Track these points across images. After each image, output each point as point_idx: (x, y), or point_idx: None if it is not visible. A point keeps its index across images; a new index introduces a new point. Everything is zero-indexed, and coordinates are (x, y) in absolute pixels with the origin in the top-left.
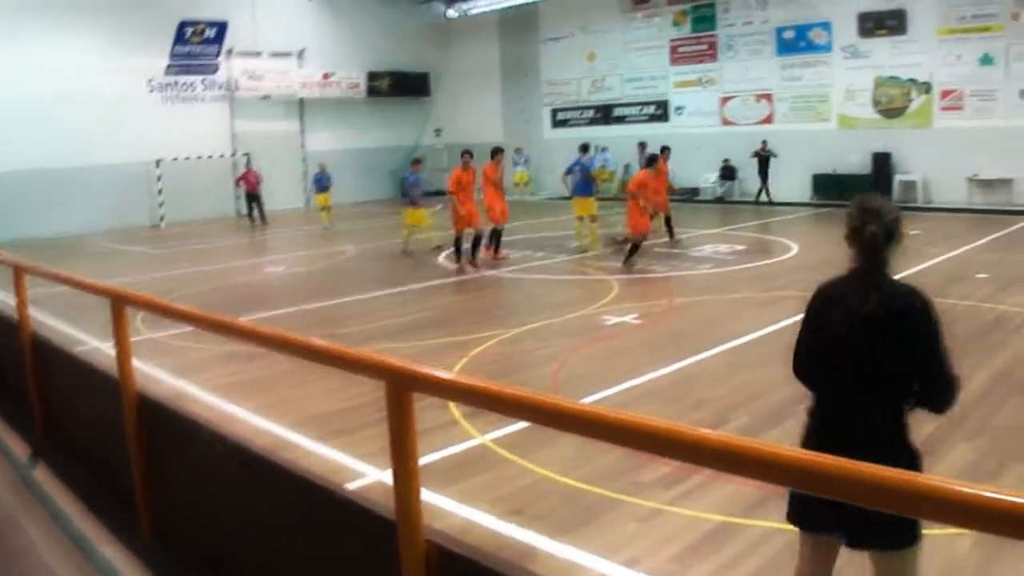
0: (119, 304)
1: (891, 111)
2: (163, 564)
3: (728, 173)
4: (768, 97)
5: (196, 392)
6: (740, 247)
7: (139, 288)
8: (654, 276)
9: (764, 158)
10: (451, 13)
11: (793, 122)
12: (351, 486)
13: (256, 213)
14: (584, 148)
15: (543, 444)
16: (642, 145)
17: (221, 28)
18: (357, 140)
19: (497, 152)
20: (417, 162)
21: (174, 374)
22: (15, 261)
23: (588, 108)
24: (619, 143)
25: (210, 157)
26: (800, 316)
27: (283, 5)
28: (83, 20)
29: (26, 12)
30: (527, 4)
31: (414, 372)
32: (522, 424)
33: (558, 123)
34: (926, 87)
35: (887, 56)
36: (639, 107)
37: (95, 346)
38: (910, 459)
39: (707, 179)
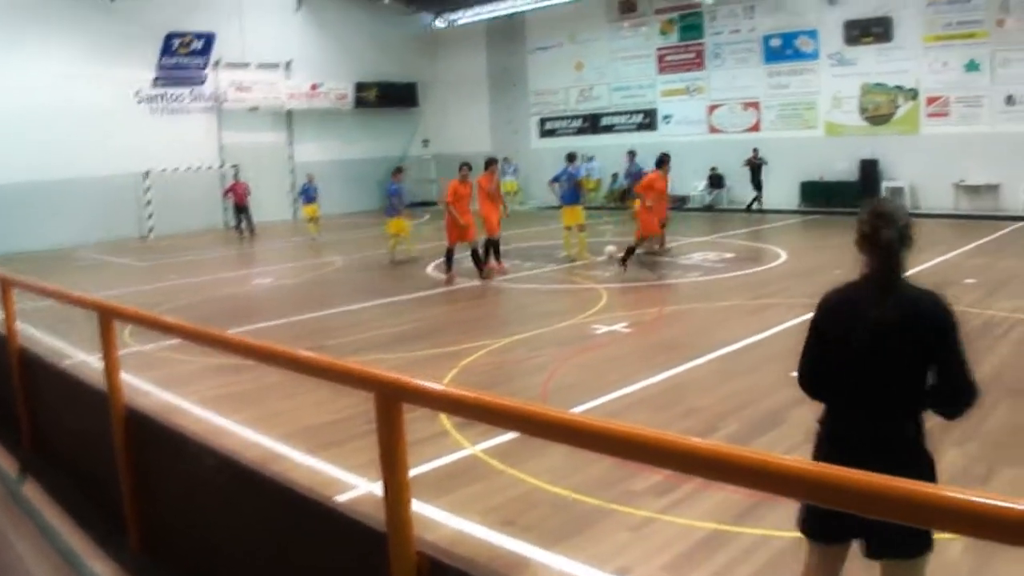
0: (107, 317)
1: (878, 118)
2: None
3: (716, 181)
4: (755, 105)
5: (184, 405)
6: (729, 255)
7: (127, 301)
8: (643, 284)
9: (756, 166)
10: (438, 23)
11: (780, 130)
12: (341, 498)
13: (244, 225)
14: (571, 157)
15: (534, 454)
16: (631, 153)
17: (208, 40)
18: (345, 151)
19: (491, 163)
20: (398, 172)
21: (162, 387)
22: (2, 274)
23: (576, 117)
24: (607, 152)
25: (198, 169)
26: (789, 324)
27: (270, 16)
28: (70, 32)
29: (12, 24)
30: (514, 14)
31: (403, 383)
32: (513, 434)
33: (546, 133)
34: (912, 94)
35: (873, 63)
36: (627, 116)
37: (83, 359)
38: (929, 465)
39: (695, 187)
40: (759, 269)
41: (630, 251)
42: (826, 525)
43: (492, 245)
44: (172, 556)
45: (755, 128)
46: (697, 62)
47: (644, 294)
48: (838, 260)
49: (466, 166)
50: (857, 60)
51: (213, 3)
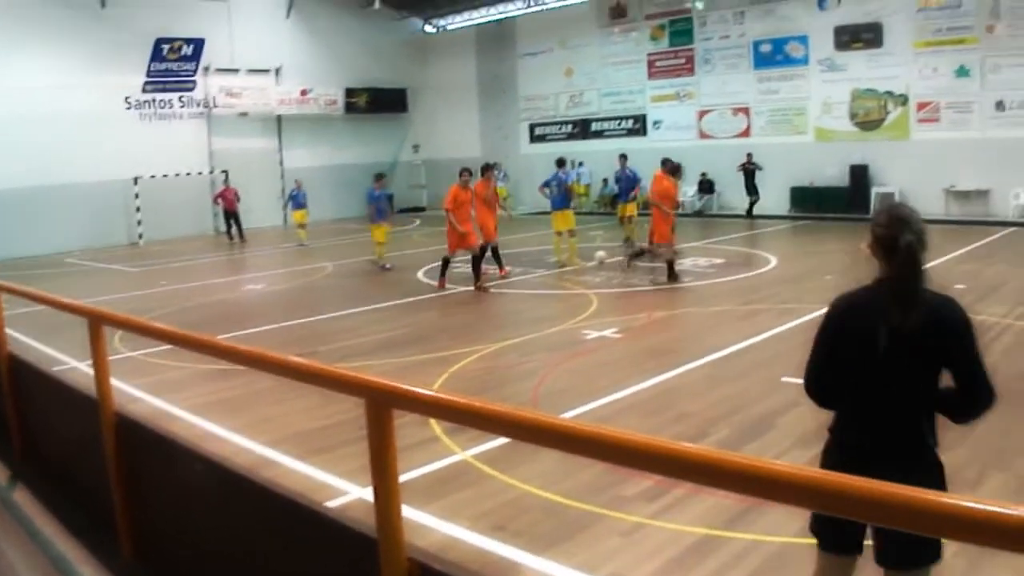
0: (97, 323)
1: (868, 123)
2: None
3: (706, 187)
4: (745, 111)
5: (175, 411)
6: (719, 260)
7: (117, 306)
8: (634, 290)
9: (750, 171)
10: (428, 29)
11: (770, 135)
12: (332, 504)
13: (234, 231)
14: (561, 163)
15: (524, 459)
16: (623, 157)
17: (198, 45)
18: (335, 157)
19: (487, 169)
20: (380, 178)
21: (153, 393)
22: None
23: (566, 123)
24: (597, 157)
25: (188, 174)
26: (780, 329)
27: (260, 22)
28: (60, 39)
29: (1, 31)
30: (504, 19)
31: (394, 389)
32: (503, 440)
33: (536, 138)
34: (902, 99)
35: (864, 69)
36: (617, 121)
37: (73, 366)
38: (940, 471)
39: (685, 193)
40: (749, 274)
41: (639, 254)
42: (838, 532)
43: (492, 251)
44: (164, 563)
45: (745, 134)
46: (687, 68)
47: (634, 299)
48: (828, 265)
49: (467, 171)
50: (847, 66)
51: (203, 9)
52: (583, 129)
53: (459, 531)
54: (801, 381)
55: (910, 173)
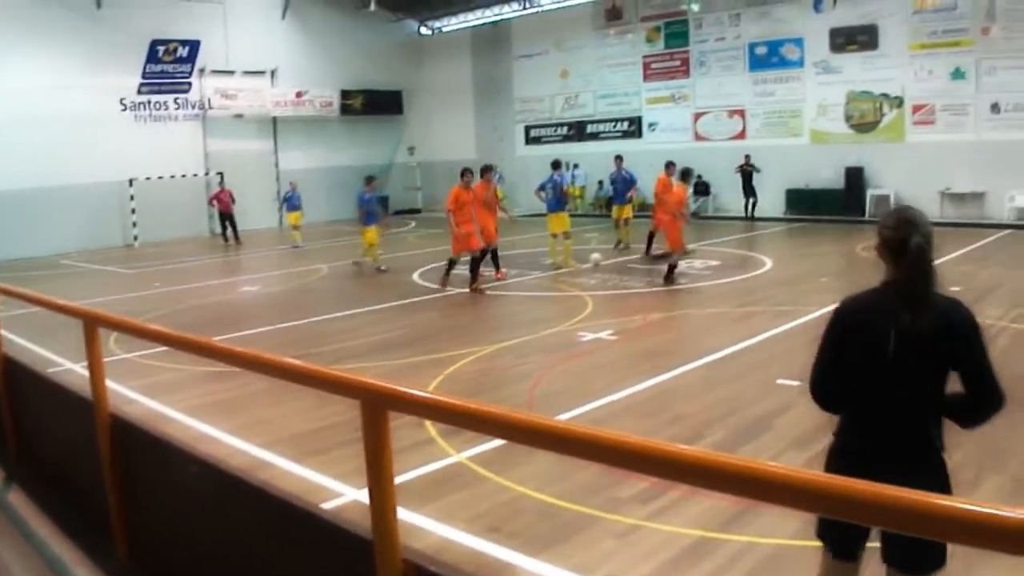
0: (92, 325)
1: (863, 126)
2: None
3: (702, 189)
4: (741, 113)
5: (170, 413)
6: (714, 262)
7: (112, 308)
8: (629, 292)
9: (748, 173)
10: (424, 31)
11: (766, 137)
12: (327, 506)
13: (229, 232)
14: (556, 165)
15: (520, 461)
16: (619, 159)
17: (193, 47)
18: (330, 158)
19: (487, 170)
20: (370, 181)
21: (148, 395)
22: None
23: (561, 125)
24: (592, 159)
25: (183, 176)
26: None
27: (255, 24)
28: (56, 40)
29: None
30: (500, 21)
31: (390, 391)
32: (498, 442)
33: (531, 140)
34: (898, 102)
35: (859, 71)
36: (612, 124)
37: (68, 367)
38: (946, 474)
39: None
40: (745, 277)
41: (670, 264)
42: (842, 536)
43: (491, 253)
44: (159, 564)
45: (741, 136)
46: (683, 70)
47: (629, 302)
48: (824, 268)
49: (468, 171)
50: (843, 68)
51: (199, 11)
52: (578, 131)
53: (454, 533)
54: (796, 383)
55: (905, 175)
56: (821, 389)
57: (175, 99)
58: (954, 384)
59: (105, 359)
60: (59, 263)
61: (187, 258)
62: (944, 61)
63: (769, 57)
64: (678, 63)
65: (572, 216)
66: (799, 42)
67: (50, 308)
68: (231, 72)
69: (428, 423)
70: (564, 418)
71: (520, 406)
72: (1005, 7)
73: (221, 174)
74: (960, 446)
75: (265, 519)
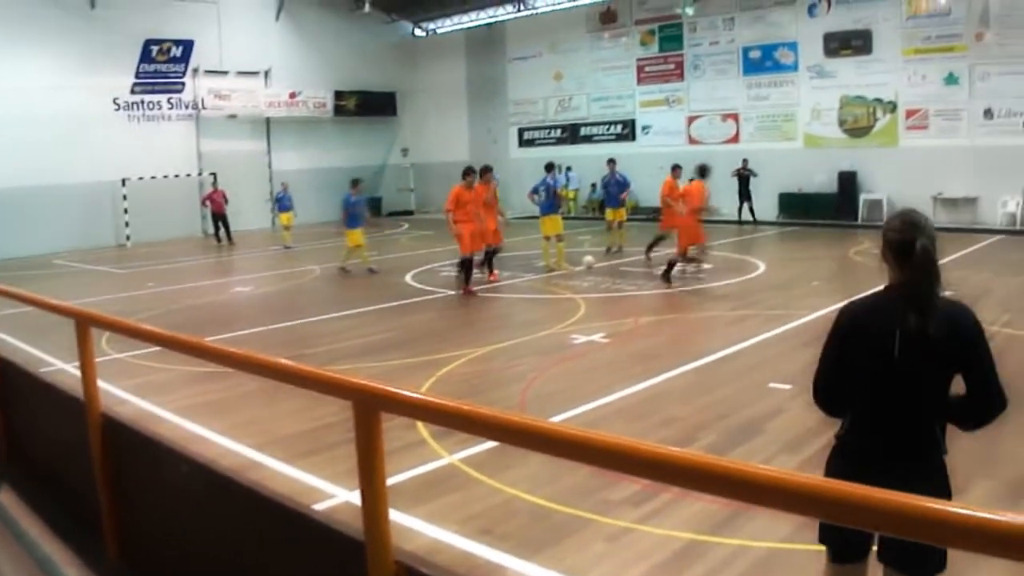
0: (84, 324)
1: (857, 130)
2: None
3: None
4: (735, 117)
5: (162, 413)
6: (707, 265)
7: (104, 308)
8: (621, 295)
9: (745, 177)
10: (418, 32)
11: (759, 141)
12: (319, 507)
13: (222, 233)
14: (549, 167)
15: (512, 463)
16: (611, 162)
17: (187, 47)
18: (324, 159)
19: (486, 171)
20: (356, 183)
21: (140, 395)
22: None
23: (555, 127)
24: (586, 162)
25: (176, 176)
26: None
27: (249, 24)
28: (49, 40)
29: None
30: (494, 23)
31: (382, 392)
32: (491, 443)
33: (525, 142)
34: (891, 106)
35: (853, 76)
36: (606, 126)
37: (60, 367)
38: (946, 475)
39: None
40: (737, 280)
41: (690, 260)
42: (844, 541)
43: (489, 255)
44: (150, 564)
45: (734, 139)
46: (677, 73)
47: (622, 304)
48: (816, 272)
49: (471, 171)
50: (836, 72)
51: (192, 11)
52: (572, 134)
53: (446, 535)
54: (788, 387)
55: (898, 180)
56: (824, 392)
57: (168, 99)
58: (955, 386)
59: (97, 359)
60: (51, 263)
61: (180, 258)
62: (937, 66)
63: (763, 61)
64: (672, 66)
65: (565, 219)
66: (793, 46)
67: (42, 308)
68: (225, 72)
69: (420, 424)
70: (556, 420)
71: (512, 408)
72: (998, 13)
73: (214, 174)
74: (951, 451)
75: (256, 520)
